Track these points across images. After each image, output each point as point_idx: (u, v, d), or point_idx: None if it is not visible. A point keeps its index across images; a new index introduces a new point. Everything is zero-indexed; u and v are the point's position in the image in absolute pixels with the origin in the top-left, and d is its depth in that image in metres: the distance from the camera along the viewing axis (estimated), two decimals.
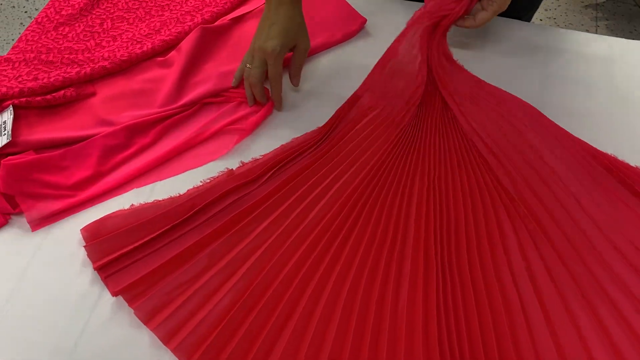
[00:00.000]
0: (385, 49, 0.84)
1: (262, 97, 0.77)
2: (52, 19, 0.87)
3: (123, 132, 0.75)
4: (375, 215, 0.69)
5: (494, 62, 0.85)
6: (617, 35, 1.89)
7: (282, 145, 0.75)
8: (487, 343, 0.60)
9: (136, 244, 0.66)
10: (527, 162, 0.74)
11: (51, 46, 0.83)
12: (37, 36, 0.85)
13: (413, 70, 0.82)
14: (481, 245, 0.67)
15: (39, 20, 0.87)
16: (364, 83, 0.81)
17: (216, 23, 0.87)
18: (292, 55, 0.78)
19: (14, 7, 1.91)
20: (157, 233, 0.67)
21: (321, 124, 0.78)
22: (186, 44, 0.83)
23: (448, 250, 0.67)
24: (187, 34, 0.85)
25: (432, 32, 0.81)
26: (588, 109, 0.80)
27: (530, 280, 0.65)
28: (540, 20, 1.99)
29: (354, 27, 0.88)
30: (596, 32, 1.93)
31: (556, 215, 0.70)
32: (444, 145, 0.76)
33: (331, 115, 0.78)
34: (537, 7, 0.94)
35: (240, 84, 0.80)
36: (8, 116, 0.72)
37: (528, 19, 1.00)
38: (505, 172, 0.73)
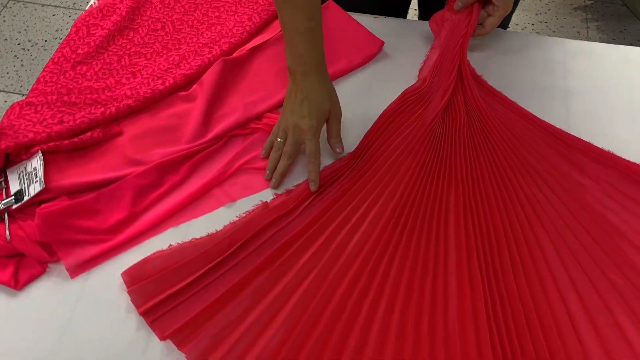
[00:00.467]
0: (404, 70, 0.85)
1: (282, 175, 0.74)
2: (68, 58, 0.86)
3: (154, 171, 0.74)
4: (415, 239, 0.70)
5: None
6: (607, 35, 1.92)
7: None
8: (540, 354, 0.61)
9: (180, 286, 0.65)
10: (559, 175, 0.75)
11: (71, 86, 0.83)
12: (55, 77, 0.84)
13: (439, 92, 0.83)
14: (524, 260, 0.68)
15: (56, 60, 0.86)
16: (389, 107, 0.82)
17: (235, 54, 0.87)
18: (328, 124, 0.75)
19: (6, 39, 1.89)
20: (200, 273, 0.66)
21: (349, 149, 0.78)
22: (208, 77, 0.83)
23: (493, 268, 0.67)
24: (207, 66, 0.85)
25: (455, 54, 0.83)
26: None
27: (575, 290, 0.66)
28: (532, 24, 2.01)
29: (373, 50, 0.89)
30: (587, 34, 1.96)
31: (589, 227, 0.71)
32: (474, 162, 0.77)
33: (359, 140, 0.79)
34: (514, 12, 0.94)
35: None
36: (38, 162, 0.71)
37: (505, 24, 1.00)
38: (536, 185, 0.74)
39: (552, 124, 0.80)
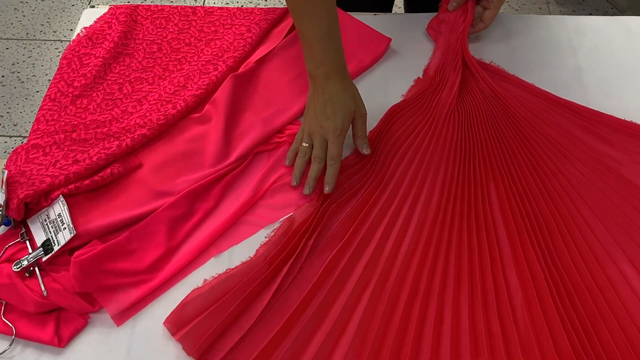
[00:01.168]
0: (414, 64, 0.84)
1: (316, 180, 0.72)
2: (66, 93, 0.81)
3: (184, 200, 0.70)
4: (466, 237, 0.68)
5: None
6: (567, 8, 1.97)
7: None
8: (615, 336, 0.61)
9: (231, 325, 0.62)
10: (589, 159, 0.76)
11: (75, 122, 0.78)
12: (55, 114, 0.79)
13: (447, 87, 0.82)
14: (577, 241, 0.68)
15: (52, 96, 0.80)
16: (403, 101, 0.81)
17: (242, 69, 0.84)
18: (353, 125, 0.74)
19: None
20: (247, 305, 0.63)
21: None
22: (220, 96, 0.79)
23: (550, 255, 0.66)
24: (215, 84, 0.82)
25: (457, 50, 0.82)
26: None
27: (630, 263, 0.66)
28: None
29: (381, 48, 0.87)
30: (548, 9, 2.00)
31: (629, 199, 0.71)
32: (506, 148, 0.76)
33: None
34: None
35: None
36: (62, 207, 0.66)
37: None
38: (569, 162, 0.74)
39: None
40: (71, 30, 1.93)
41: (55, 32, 1.94)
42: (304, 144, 0.73)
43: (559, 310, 0.62)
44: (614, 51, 0.87)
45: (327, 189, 0.70)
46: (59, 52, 1.87)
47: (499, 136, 0.77)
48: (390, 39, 0.87)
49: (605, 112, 0.78)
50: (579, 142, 0.77)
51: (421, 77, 0.84)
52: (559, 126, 0.79)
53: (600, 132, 0.77)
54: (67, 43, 1.92)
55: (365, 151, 0.74)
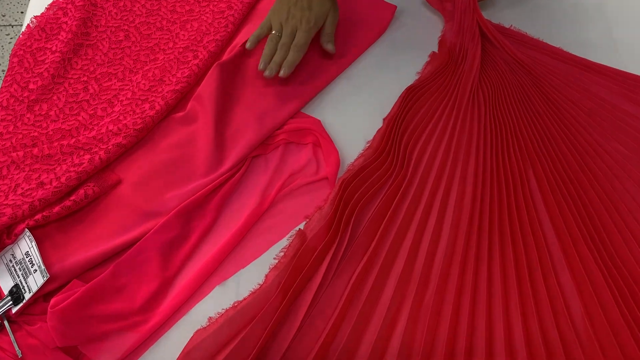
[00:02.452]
0: (423, 34, 0.74)
1: (279, 66, 0.67)
2: (20, 98, 0.68)
3: (176, 220, 0.59)
4: (510, 233, 0.59)
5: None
6: None
7: (343, 178, 0.62)
8: None
9: None
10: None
11: (35, 134, 0.65)
12: (10, 126, 0.66)
13: (467, 60, 0.71)
14: (629, 225, 0.60)
15: (4, 103, 0.68)
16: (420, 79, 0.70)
17: (227, 55, 0.71)
18: (324, 26, 0.70)
19: None
20: (263, 347, 0.53)
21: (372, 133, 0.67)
22: (205, 90, 0.67)
23: (604, 246, 0.58)
24: (197, 75, 0.70)
25: (471, 18, 0.71)
26: None
27: None
28: None
29: (386, 17, 0.75)
30: None
31: None
32: (540, 126, 0.66)
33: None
34: None
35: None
36: (30, 245, 0.55)
37: None
38: (615, 139, 0.66)
39: None
40: (22, 12, 1.75)
41: (4, 16, 1.75)
42: (274, 32, 0.69)
43: (625, 316, 0.54)
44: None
45: (282, 72, 0.67)
46: (11, 38, 1.69)
47: (531, 113, 0.67)
48: (395, 7, 0.76)
49: None
50: (619, 112, 0.68)
51: (436, 51, 0.73)
52: (595, 95, 0.69)
53: None
54: (19, 28, 1.74)
55: (330, 48, 0.71)
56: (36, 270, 0.54)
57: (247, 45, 0.69)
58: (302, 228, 0.61)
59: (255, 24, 0.75)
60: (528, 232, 0.59)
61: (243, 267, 0.59)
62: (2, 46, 1.69)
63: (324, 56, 0.72)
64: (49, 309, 0.52)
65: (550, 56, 0.72)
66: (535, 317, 0.54)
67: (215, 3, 0.76)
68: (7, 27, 1.73)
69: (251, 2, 0.77)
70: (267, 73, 0.67)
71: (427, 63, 0.71)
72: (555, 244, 0.58)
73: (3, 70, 1.63)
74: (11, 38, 1.69)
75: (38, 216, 0.57)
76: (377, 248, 0.58)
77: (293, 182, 0.64)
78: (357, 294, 0.56)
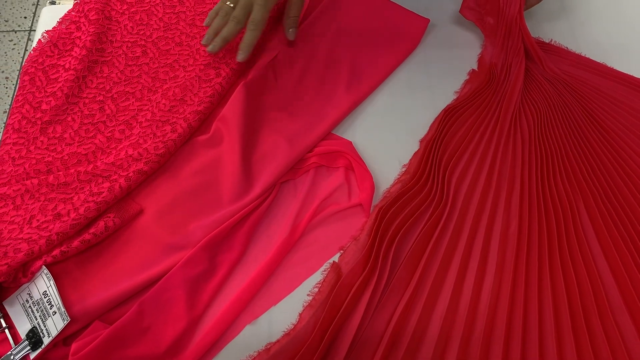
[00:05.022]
0: (459, 50, 0.70)
1: (225, 41, 0.64)
2: (33, 120, 0.64)
3: (202, 253, 0.55)
4: (562, 271, 0.55)
5: None
6: None
7: (379, 206, 0.58)
8: None
9: None
10: None
11: (49, 159, 0.61)
12: (23, 150, 0.62)
13: (511, 79, 0.67)
14: None
15: (16, 125, 0.64)
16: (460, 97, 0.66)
17: (253, 72, 0.67)
18: (289, 4, 0.67)
19: None
20: None
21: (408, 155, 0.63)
22: (230, 111, 0.63)
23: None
24: (221, 95, 0.66)
25: (517, 33, 0.67)
26: None
27: None
28: None
29: (419, 32, 0.71)
30: None
31: None
32: (589, 152, 0.63)
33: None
34: None
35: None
36: (47, 283, 0.51)
37: None
38: None
39: None
40: (25, 17, 1.71)
41: (7, 21, 1.71)
42: (227, 3, 0.65)
43: None
44: None
45: (240, 56, 0.64)
46: (14, 44, 1.65)
47: (578, 137, 0.63)
48: (428, 20, 0.72)
49: None
50: None
51: (474, 68, 0.69)
52: None
53: None
54: (23, 33, 1.70)
55: (291, 34, 0.68)
56: (55, 313, 0.50)
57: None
58: (336, 260, 0.57)
59: (281, 39, 0.71)
60: (583, 273, 0.55)
61: (274, 304, 0.55)
62: (6, 52, 1.64)
63: (355, 73, 0.68)
64: (70, 357, 0.48)
65: (595, 73, 0.68)
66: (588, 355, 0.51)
67: None
68: (11, 33, 1.68)
69: (276, 16, 0.73)
70: (209, 48, 0.65)
71: (467, 82, 0.67)
72: (613, 287, 0.54)
73: (6, 77, 1.59)
74: (14, 44, 1.65)
75: (56, 251, 0.53)
76: (420, 284, 0.55)
77: (325, 210, 0.60)
78: (402, 333, 0.52)
